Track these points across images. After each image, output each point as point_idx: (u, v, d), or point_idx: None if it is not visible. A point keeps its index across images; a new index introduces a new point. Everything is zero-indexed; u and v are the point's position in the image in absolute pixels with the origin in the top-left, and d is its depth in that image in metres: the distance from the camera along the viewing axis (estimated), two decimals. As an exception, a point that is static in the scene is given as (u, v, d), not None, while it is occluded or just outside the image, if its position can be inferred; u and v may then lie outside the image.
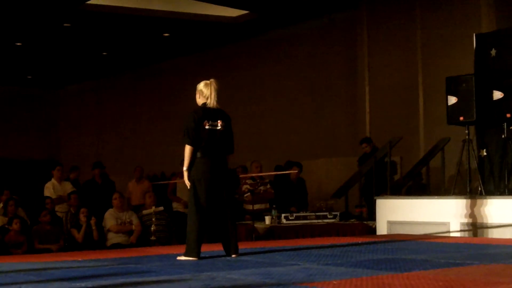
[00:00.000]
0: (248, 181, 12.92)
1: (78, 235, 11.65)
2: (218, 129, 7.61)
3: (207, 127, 7.52)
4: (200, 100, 7.69)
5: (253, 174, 12.78)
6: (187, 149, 7.55)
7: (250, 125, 19.25)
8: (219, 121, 7.60)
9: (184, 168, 7.64)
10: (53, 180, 13.28)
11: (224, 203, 7.60)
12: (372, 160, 13.36)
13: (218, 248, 7.96)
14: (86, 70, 23.77)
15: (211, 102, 7.59)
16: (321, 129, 17.74)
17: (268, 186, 13.06)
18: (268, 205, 12.67)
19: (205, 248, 7.84)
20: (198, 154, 7.54)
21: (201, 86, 7.71)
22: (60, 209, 12.78)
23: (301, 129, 18.17)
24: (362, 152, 14.32)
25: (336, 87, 17.56)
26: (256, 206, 12.47)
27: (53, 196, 12.87)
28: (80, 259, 7.74)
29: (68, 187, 13.30)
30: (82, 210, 11.86)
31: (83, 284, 5.57)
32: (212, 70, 20.70)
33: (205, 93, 7.65)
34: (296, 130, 18.27)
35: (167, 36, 19.00)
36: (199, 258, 7.41)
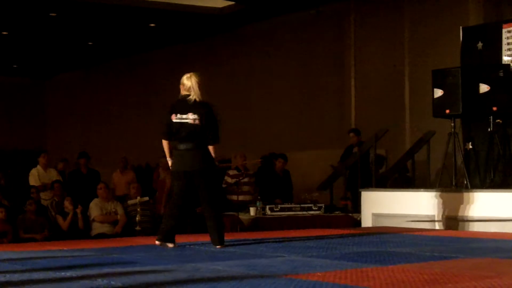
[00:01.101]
0: (232, 172, 12.91)
1: (64, 223, 11.62)
2: (189, 122, 7.55)
3: (174, 120, 7.53)
4: (182, 92, 7.68)
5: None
6: (162, 142, 7.70)
7: (236, 116, 19.22)
8: (189, 113, 7.53)
9: (168, 159, 7.80)
10: (38, 167, 13.26)
11: (203, 195, 7.60)
12: (358, 153, 13.38)
13: (204, 238, 7.96)
14: (73, 60, 23.69)
15: (193, 95, 7.58)
16: (307, 121, 17.74)
17: (253, 178, 13.07)
18: (252, 197, 12.67)
19: (192, 239, 7.83)
20: (174, 147, 7.61)
21: (183, 78, 7.71)
22: (45, 196, 12.75)
23: (287, 121, 18.16)
24: (347, 144, 14.32)
25: (323, 79, 17.55)
26: (241, 197, 12.48)
27: (38, 183, 12.84)
28: (65, 249, 7.71)
29: (53, 174, 13.28)
30: (67, 198, 11.83)
31: (68, 274, 5.55)
32: (198, 61, 20.68)
33: (186, 85, 7.64)
34: (282, 122, 18.26)
35: (153, 26, 18.94)
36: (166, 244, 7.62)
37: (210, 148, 7.64)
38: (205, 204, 7.64)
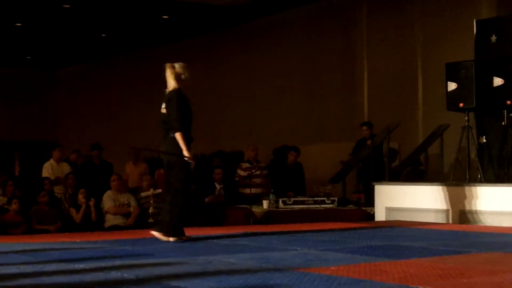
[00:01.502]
0: (244, 165, 12.92)
1: (77, 216, 11.65)
2: (161, 111, 7.74)
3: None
4: None
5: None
6: None
7: (247, 109, 19.24)
8: (163, 103, 7.72)
9: None
10: (51, 160, 13.28)
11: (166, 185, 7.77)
12: (371, 146, 13.35)
13: (216, 231, 7.97)
14: (85, 52, 23.70)
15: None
16: (318, 114, 17.70)
17: (265, 170, 13.07)
18: (265, 190, 12.68)
19: (204, 232, 7.83)
20: None
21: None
22: (58, 190, 12.78)
23: (298, 114, 18.13)
24: (358, 137, 14.28)
25: (334, 72, 17.50)
26: (253, 190, 12.49)
27: (51, 177, 12.86)
28: (78, 241, 7.74)
29: (66, 168, 13.28)
30: (81, 190, 11.86)
31: (81, 266, 5.57)
32: (209, 54, 20.70)
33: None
34: (292, 115, 18.23)
35: (166, 18, 18.92)
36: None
37: (176, 136, 7.61)
38: (166, 193, 7.80)
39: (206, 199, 12.50)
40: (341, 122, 16.94)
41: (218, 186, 12.75)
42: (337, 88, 17.42)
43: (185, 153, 7.47)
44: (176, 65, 7.81)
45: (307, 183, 13.90)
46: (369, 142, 13.54)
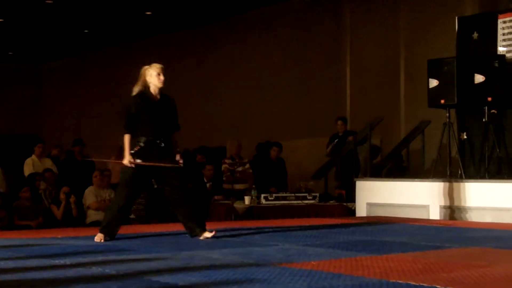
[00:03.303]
0: (227, 161, 12.92)
1: (58, 212, 11.61)
2: None
3: None
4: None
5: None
6: None
7: (231, 104, 19.22)
8: None
9: None
10: (33, 156, 13.23)
11: None
12: (352, 142, 13.39)
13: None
14: (69, 46, 23.61)
15: None
16: (303, 110, 17.72)
17: (247, 166, 13.07)
18: (247, 185, 12.68)
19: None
20: None
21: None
22: (41, 185, 12.73)
23: (283, 109, 18.14)
24: (334, 132, 14.30)
25: (319, 67, 17.53)
26: (236, 186, 12.49)
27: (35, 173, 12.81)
28: (59, 236, 7.72)
29: (48, 163, 13.23)
30: (63, 188, 11.81)
31: (62, 261, 5.56)
32: (195, 48, 20.66)
33: None
34: (278, 110, 18.24)
35: (149, 14, 18.88)
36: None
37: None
38: None
39: (216, 197, 12.38)
40: (326, 117, 16.95)
41: (208, 183, 12.66)
42: (322, 83, 17.44)
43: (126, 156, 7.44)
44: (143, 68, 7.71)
45: (293, 178, 13.91)
46: (351, 138, 13.58)
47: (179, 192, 7.56)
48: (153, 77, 7.54)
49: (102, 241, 7.25)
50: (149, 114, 7.45)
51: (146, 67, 7.65)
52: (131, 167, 7.38)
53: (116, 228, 7.48)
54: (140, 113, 7.43)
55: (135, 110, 7.44)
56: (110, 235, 7.40)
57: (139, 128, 7.44)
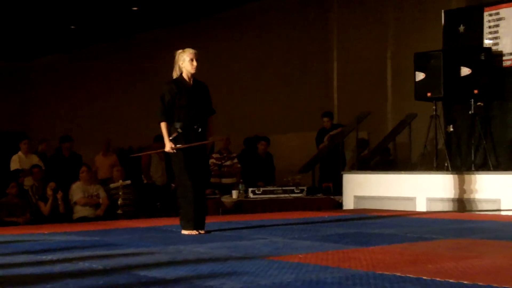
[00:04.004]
0: (215, 155, 12.92)
1: (45, 208, 11.58)
2: None
3: None
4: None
5: None
6: None
7: (220, 98, 19.16)
8: None
9: None
10: (19, 153, 13.20)
11: None
12: (340, 135, 13.42)
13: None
14: (57, 43, 23.56)
15: None
16: (290, 104, 17.74)
17: (235, 160, 13.07)
18: (235, 180, 12.69)
19: (172, 222, 7.82)
20: None
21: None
22: (26, 182, 12.71)
23: (271, 104, 18.16)
24: (320, 127, 14.33)
25: (306, 62, 17.54)
26: (224, 180, 12.49)
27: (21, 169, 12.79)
28: (46, 232, 7.71)
29: (35, 160, 13.21)
30: (50, 184, 11.78)
31: (49, 257, 5.55)
32: (184, 43, 20.55)
33: None
34: (266, 105, 18.25)
35: (136, 10, 18.84)
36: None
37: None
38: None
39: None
40: (313, 111, 16.97)
41: None
42: (310, 77, 17.46)
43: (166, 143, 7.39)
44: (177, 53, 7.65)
45: (281, 172, 13.93)
46: (339, 129, 13.62)
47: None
48: (186, 62, 7.51)
49: (194, 232, 7.26)
50: (184, 100, 7.42)
51: (180, 51, 7.59)
52: (179, 155, 7.34)
53: (201, 218, 7.40)
54: (175, 99, 7.39)
55: (170, 97, 7.40)
56: (199, 227, 7.35)
57: (176, 114, 7.40)
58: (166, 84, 7.51)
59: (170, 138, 7.31)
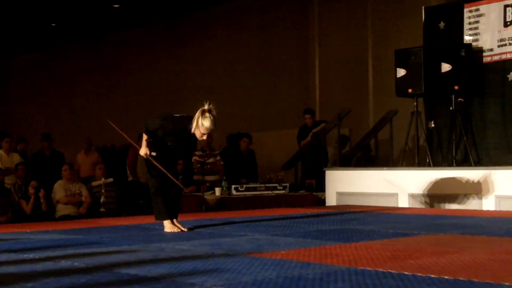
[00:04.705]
0: (198, 153, 12.91)
1: (27, 207, 11.54)
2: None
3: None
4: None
5: None
6: None
7: (201, 96, 19.16)
8: None
9: None
10: (0, 151, 13.15)
11: None
12: (323, 132, 13.46)
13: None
14: (36, 41, 23.47)
15: None
16: (272, 101, 17.77)
17: (218, 158, 13.07)
18: (218, 177, 12.69)
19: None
20: None
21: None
22: (8, 180, 12.67)
23: (252, 101, 18.18)
24: (302, 124, 14.35)
25: (288, 59, 17.57)
26: (207, 178, 12.49)
27: (1, 167, 12.75)
28: (28, 231, 7.68)
29: (16, 158, 13.17)
30: (32, 183, 11.74)
31: (31, 256, 5.53)
32: (162, 42, 20.60)
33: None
34: (247, 102, 18.27)
35: (117, 7, 18.81)
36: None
37: None
38: None
39: (186, 190, 12.32)
40: (295, 108, 17.01)
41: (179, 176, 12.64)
42: (291, 75, 17.50)
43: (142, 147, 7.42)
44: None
45: (264, 169, 13.96)
46: (323, 125, 13.66)
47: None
48: (198, 129, 7.35)
49: (175, 230, 7.28)
50: (173, 141, 7.41)
51: (205, 116, 7.37)
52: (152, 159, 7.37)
53: (170, 207, 7.43)
54: (163, 135, 7.37)
55: (162, 134, 7.38)
56: (171, 216, 7.40)
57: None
58: (170, 121, 7.40)
59: (148, 140, 7.36)
